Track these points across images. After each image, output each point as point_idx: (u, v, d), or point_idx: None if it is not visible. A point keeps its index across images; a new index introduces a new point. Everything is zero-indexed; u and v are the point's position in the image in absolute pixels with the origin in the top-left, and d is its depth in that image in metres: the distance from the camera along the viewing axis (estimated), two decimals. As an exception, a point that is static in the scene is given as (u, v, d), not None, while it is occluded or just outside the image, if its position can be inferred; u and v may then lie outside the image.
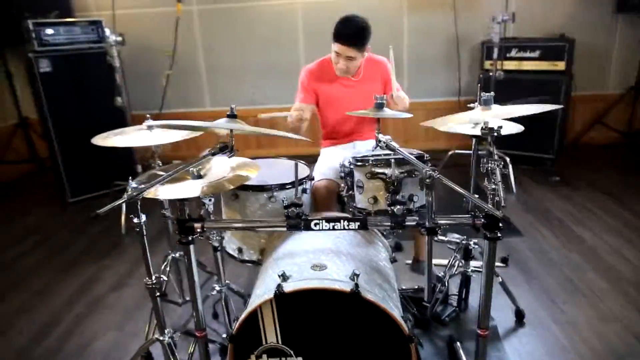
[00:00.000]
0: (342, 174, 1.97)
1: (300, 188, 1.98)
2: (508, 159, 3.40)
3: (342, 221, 1.44)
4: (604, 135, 4.59)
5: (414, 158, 1.40)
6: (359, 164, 1.62)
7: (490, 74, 3.90)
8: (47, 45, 3.52)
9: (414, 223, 1.42)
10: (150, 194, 1.47)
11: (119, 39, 3.24)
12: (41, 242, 3.18)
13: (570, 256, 2.69)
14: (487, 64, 4.20)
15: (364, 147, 2.43)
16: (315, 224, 1.45)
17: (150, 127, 1.90)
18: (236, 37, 4.50)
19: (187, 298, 2.23)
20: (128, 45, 4.07)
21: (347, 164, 1.76)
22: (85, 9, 4.37)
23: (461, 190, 1.33)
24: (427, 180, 1.33)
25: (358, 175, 1.64)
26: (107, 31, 3.36)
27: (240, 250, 2.03)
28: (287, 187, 1.95)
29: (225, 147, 1.49)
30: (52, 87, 3.58)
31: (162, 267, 2.19)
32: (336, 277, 1.43)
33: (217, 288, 1.96)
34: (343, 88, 2.40)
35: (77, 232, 3.26)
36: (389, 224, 1.43)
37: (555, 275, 2.50)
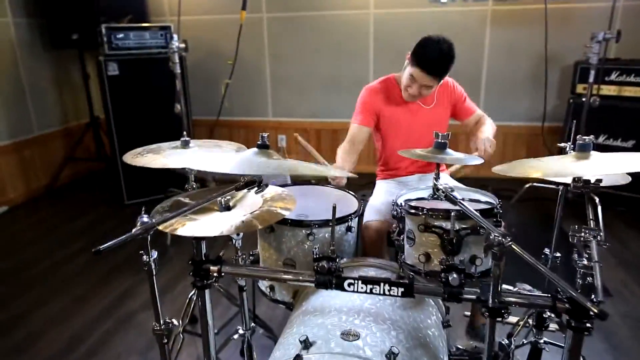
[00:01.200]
0: (394, 213, 1.70)
1: (344, 226, 1.74)
2: (597, 199, 2.91)
3: (382, 284, 1.17)
4: None
5: (479, 216, 1.09)
6: (411, 211, 1.33)
7: (584, 99, 3.41)
8: (116, 49, 3.57)
9: (473, 297, 1.12)
10: (166, 228, 1.30)
11: (182, 45, 3.18)
12: (88, 247, 3.19)
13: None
14: (580, 88, 3.69)
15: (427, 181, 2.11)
16: (350, 284, 1.19)
17: (185, 144, 1.74)
18: (303, 47, 4.35)
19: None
20: (194, 51, 4.08)
21: (398, 205, 1.49)
22: (160, 13, 4.44)
23: (542, 269, 1.01)
24: (495, 248, 1.02)
25: (410, 225, 1.36)
26: (174, 37, 3.34)
27: (272, 289, 1.81)
28: (331, 224, 1.70)
29: (253, 183, 1.27)
30: (119, 90, 3.63)
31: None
32: (369, 353, 1.16)
33: (240, 332, 1.75)
34: (409, 114, 2.12)
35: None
36: (442, 293, 1.14)
37: (653, 354, 2.04)
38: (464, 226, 1.24)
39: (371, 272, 1.55)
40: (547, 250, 1.69)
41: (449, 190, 1.16)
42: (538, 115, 4.07)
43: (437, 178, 1.22)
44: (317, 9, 4.22)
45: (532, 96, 4.09)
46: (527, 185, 3.65)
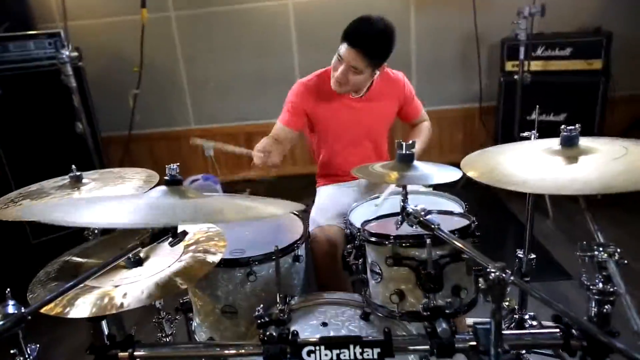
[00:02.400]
0: (347, 232, 1.43)
1: (291, 257, 1.44)
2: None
3: (351, 347, 0.89)
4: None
5: (470, 249, 0.84)
6: (373, 240, 1.06)
7: (515, 77, 3.35)
8: (-7, 65, 3.00)
9: (468, 345, 0.88)
10: (51, 310, 0.94)
11: (74, 54, 2.71)
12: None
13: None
14: (509, 66, 3.64)
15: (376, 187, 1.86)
16: (310, 353, 0.90)
17: (76, 180, 1.35)
18: (220, 46, 3.96)
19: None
20: (95, 60, 3.57)
21: (354, 227, 1.22)
22: (49, 19, 3.83)
23: (554, 306, 0.78)
24: (496, 288, 0.78)
25: (373, 256, 1.09)
26: (65, 46, 2.85)
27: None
28: (275, 257, 1.39)
29: (165, 233, 0.93)
30: (4, 113, 3.06)
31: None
32: None
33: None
34: (346, 109, 1.84)
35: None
36: (429, 348, 0.88)
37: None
38: (442, 253, 0.98)
39: (330, 312, 1.27)
40: (520, 253, 1.50)
41: (422, 213, 0.90)
42: (471, 96, 4.00)
43: (405, 199, 0.95)
44: (231, 2, 3.85)
45: (463, 78, 4.00)
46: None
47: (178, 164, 0.93)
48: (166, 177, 0.91)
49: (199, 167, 4.25)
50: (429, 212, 0.90)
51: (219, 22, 3.89)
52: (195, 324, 1.53)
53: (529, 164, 0.98)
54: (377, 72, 1.75)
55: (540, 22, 3.61)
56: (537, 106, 1.56)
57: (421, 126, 2.02)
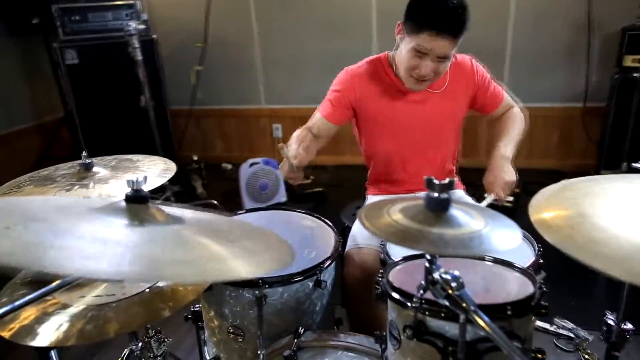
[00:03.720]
0: (381, 255, 1.19)
1: (311, 281, 1.22)
2: None
3: None
4: None
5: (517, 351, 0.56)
6: (394, 295, 0.80)
7: (635, 74, 2.77)
8: (73, 34, 3.07)
9: None
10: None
11: (142, 26, 2.66)
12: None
13: None
14: (628, 60, 3.02)
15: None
16: None
17: (85, 169, 1.23)
18: (296, 23, 3.76)
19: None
20: (170, 34, 3.55)
21: (388, 254, 0.97)
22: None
23: None
24: None
25: (392, 315, 0.83)
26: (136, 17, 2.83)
27: (217, 361, 1.32)
28: (295, 279, 1.18)
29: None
30: (81, 80, 3.15)
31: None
32: None
33: None
34: (404, 105, 1.52)
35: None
36: None
37: None
38: (482, 334, 0.70)
39: (344, 360, 1.04)
40: (610, 317, 1.14)
41: (456, 285, 0.61)
42: (575, 94, 3.42)
43: (431, 264, 0.65)
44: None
45: (567, 72, 3.42)
46: (563, 182, 3.05)
47: (145, 175, 0.74)
48: (127, 192, 0.72)
49: (266, 148, 4.16)
50: (462, 285, 0.61)
51: (296, 0, 3.68)
52: (206, 336, 1.39)
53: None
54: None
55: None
56: None
57: (509, 115, 1.61)
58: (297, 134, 1.43)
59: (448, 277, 0.62)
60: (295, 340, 1.10)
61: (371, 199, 1.71)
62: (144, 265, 0.56)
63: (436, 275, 0.63)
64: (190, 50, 3.56)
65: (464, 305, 0.60)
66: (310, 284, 1.23)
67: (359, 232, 1.50)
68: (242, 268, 0.62)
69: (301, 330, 1.14)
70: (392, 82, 1.52)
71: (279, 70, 3.93)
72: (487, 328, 0.59)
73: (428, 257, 0.64)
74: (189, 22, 3.66)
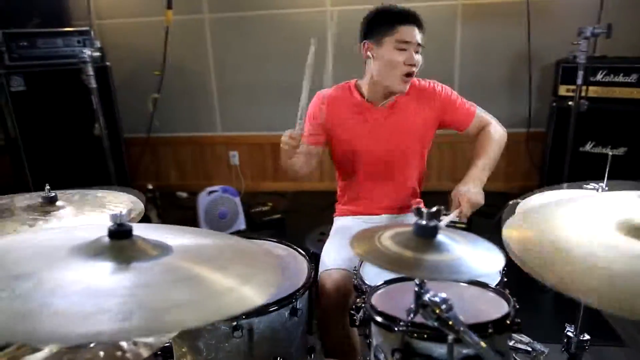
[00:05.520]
0: (354, 280, 1.21)
1: (287, 310, 1.22)
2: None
3: None
4: None
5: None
6: (379, 320, 0.82)
7: (570, 102, 3.01)
8: (20, 60, 2.94)
9: None
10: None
11: (97, 54, 2.60)
12: None
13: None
14: (563, 90, 3.29)
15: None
16: None
17: (48, 202, 1.17)
18: (252, 51, 3.80)
19: None
20: (124, 61, 3.49)
21: (363, 280, 0.99)
22: (83, 17, 3.79)
23: None
24: None
25: (377, 339, 0.85)
26: (89, 44, 2.76)
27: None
28: (271, 309, 1.17)
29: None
30: (27, 109, 3.00)
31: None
32: None
33: None
34: (373, 127, 1.61)
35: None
36: None
37: None
38: (468, 352, 0.73)
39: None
40: (570, 330, 1.22)
41: (445, 307, 0.65)
42: (518, 120, 3.67)
43: (420, 288, 0.69)
44: (267, 7, 3.69)
45: (511, 99, 3.67)
46: (510, 203, 3.22)
47: (127, 209, 0.73)
48: (110, 227, 0.71)
49: (222, 176, 4.11)
50: (451, 306, 0.65)
51: (254, 27, 3.74)
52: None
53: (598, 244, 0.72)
54: None
55: (603, 45, 3.27)
56: (610, 154, 1.24)
57: (488, 135, 1.66)
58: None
59: (437, 299, 0.65)
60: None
61: (338, 220, 1.74)
62: (147, 317, 0.54)
63: (426, 299, 0.66)
64: (147, 77, 3.50)
65: (454, 326, 0.63)
66: (286, 313, 1.22)
67: (328, 256, 1.52)
68: (251, 296, 0.61)
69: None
70: (359, 105, 1.61)
71: (236, 98, 3.94)
72: (477, 346, 0.62)
73: (417, 281, 0.67)
74: (144, 49, 3.61)
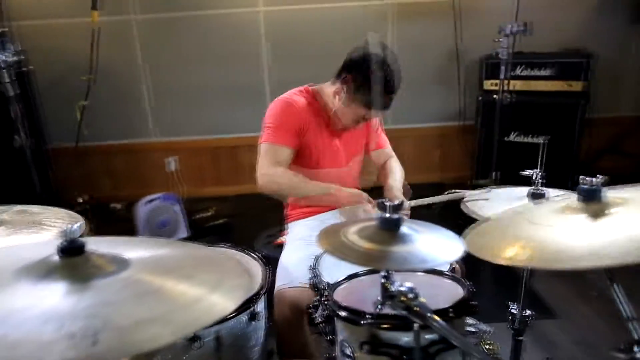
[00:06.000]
0: (311, 281, 1.22)
1: (246, 315, 1.20)
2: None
3: None
4: (618, 164, 3.94)
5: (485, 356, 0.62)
6: (343, 315, 0.83)
7: (495, 96, 3.22)
8: None
9: None
10: None
11: (14, 58, 2.40)
12: None
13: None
14: (488, 84, 3.51)
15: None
16: None
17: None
18: (186, 53, 3.69)
19: None
20: (48, 66, 3.25)
21: (320, 278, 1.00)
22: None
23: None
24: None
25: (344, 335, 0.86)
26: (5, 47, 2.54)
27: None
28: (229, 315, 1.15)
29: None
30: None
31: None
32: None
33: None
34: (331, 136, 1.70)
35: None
36: None
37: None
38: (432, 338, 0.77)
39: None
40: (514, 307, 1.31)
41: (412, 295, 0.67)
42: (450, 114, 3.86)
43: (387, 277, 0.71)
44: (198, 7, 3.59)
45: (443, 95, 3.86)
46: (446, 193, 3.38)
47: (79, 223, 0.69)
48: (61, 243, 0.66)
49: (159, 183, 3.95)
50: (417, 294, 0.67)
51: (185, 28, 3.63)
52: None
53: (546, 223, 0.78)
54: None
55: (520, 41, 3.51)
56: (543, 142, 1.33)
57: (395, 163, 1.86)
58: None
59: (404, 289, 0.68)
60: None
61: (294, 226, 1.74)
62: (115, 337, 0.51)
63: (393, 289, 0.68)
64: (74, 83, 3.27)
65: (426, 315, 0.66)
66: (245, 318, 1.20)
67: (286, 271, 1.49)
68: (222, 303, 0.60)
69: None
70: (320, 114, 1.65)
71: (171, 102, 3.80)
72: (443, 330, 0.65)
73: (384, 273, 0.69)
74: (71, 53, 3.37)
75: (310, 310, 1.19)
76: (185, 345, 1.12)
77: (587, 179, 0.80)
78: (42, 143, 3.04)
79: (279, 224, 1.86)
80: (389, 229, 0.71)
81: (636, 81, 3.84)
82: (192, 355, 1.14)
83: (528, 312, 1.29)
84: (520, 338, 1.32)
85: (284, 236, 1.75)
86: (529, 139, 3.48)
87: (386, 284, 0.68)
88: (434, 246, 0.70)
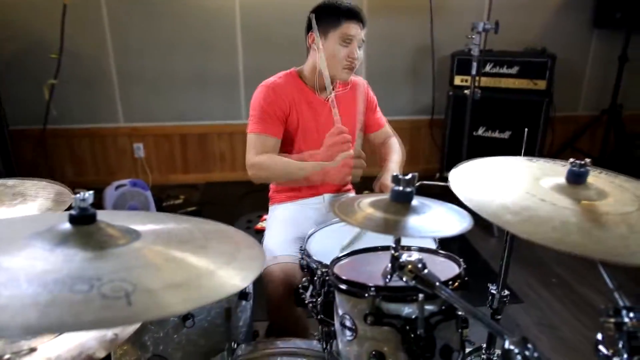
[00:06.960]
0: (301, 261, 1.24)
1: (236, 294, 1.21)
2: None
3: None
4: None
5: (489, 321, 0.66)
6: (344, 287, 0.86)
7: (466, 91, 3.32)
8: None
9: None
10: None
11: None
12: None
13: (579, 327, 2.13)
14: (458, 80, 3.63)
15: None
16: None
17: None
18: (157, 38, 3.59)
19: None
20: (10, 42, 3.09)
21: (311, 256, 1.03)
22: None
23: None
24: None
25: (345, 308, 0.89)
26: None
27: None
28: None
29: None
30: None
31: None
32: None
33: None
34: (316, 114, 1.66)
35: None
36: None
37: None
38: (432, 309, 0.80)
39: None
40: (493, 288, 1.37)
41: (421, 265, 0.70)
42: (422, 108, 3.95)
43: (397, 247, 0.74)
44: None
45: (415, 89, 3.94)
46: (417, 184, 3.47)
47: (91, 191, 0.68)
48: (72, 212, 0.65)
49: (127, 169, 3.85)
50: (425, 265, 0.71)
51: (158, 12, 3.52)
52: None
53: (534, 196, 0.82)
54: None
55: (488, 40, 3.63)
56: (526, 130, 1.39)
57: (394, 143, 1.84)
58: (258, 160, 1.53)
59: (413, 259, 0.71)
60: (231, 357, 1.08)
61: (276, 208, 1.74)
62: (146, 300, 0.52)
63: (402, 260, 0.71)
64: (40, 61, 3.12)
65: (434, 283, 0.69)
66: (235, 298, 1.21)
67: (274, 241, 1.52)
68: (237, 276, 0.61)
69: (234, 345, 1.12)
70: (305, 93, 1.64)
71: (140, 86, 3.70)
72: (452, 298, 0.69)
73: (393, 244, 0.72)
74: (37, 28, 3.21)
75: (300, 291, 1.22)
76: (177, 324, 1.11)
77: (577, 161, 0.86)
78: (3, 124, 2.89)
79: (251, 211, 1.86)
80: (402, 202, 0.74)
81: (594, 82, 4.06)
82: (182, 334, 1.13)
83: (506, 292, 1.36)
84: (498, 317, 1.38)
85: (263, 222, 1.76)
86: (496, 134, 3.63)
87: (396, 255, 0.71)
88: (444, 218, 0.73)
